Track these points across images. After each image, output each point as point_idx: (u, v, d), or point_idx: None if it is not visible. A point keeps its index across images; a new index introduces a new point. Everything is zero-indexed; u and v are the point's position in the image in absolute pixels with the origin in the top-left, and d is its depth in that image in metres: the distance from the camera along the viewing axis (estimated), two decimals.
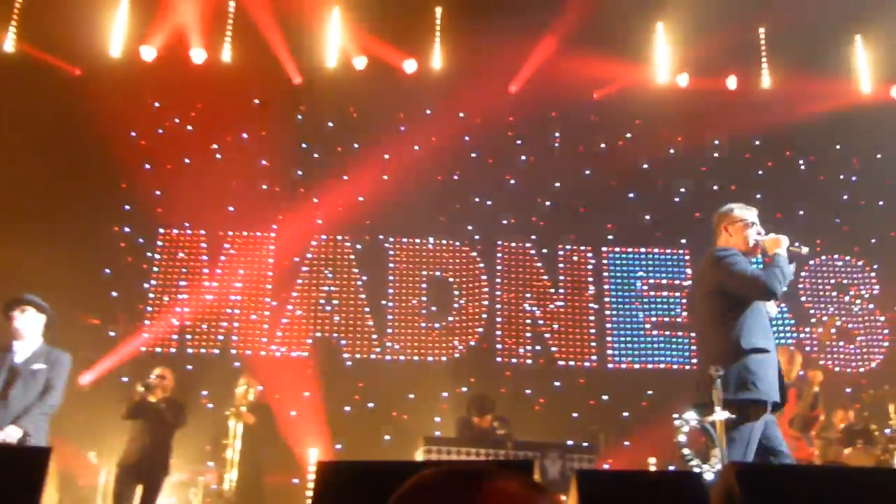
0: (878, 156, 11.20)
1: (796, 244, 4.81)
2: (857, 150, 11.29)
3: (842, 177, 11.34)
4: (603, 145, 11.16)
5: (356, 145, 10.90)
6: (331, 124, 11.03)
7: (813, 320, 10.84)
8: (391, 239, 10.83)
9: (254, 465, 8.28)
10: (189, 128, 10.80)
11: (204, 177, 10.37)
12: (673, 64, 10.82)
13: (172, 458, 7.62)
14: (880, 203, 10.97)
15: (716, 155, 11.28)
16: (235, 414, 8.11)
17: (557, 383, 10.37)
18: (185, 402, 7.99)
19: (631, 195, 11.01)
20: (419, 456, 6.96)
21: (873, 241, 10.93)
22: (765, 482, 3.18)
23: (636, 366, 10.60)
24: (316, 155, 11.01)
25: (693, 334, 10.53)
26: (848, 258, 11.15)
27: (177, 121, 10.79)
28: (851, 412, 8.75)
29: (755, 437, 4.56)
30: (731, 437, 4.46)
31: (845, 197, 11.18)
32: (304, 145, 11.02)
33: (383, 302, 10.60)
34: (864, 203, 11.03)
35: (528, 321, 10.66)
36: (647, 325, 10.71)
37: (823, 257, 11.13)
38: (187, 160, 10.61)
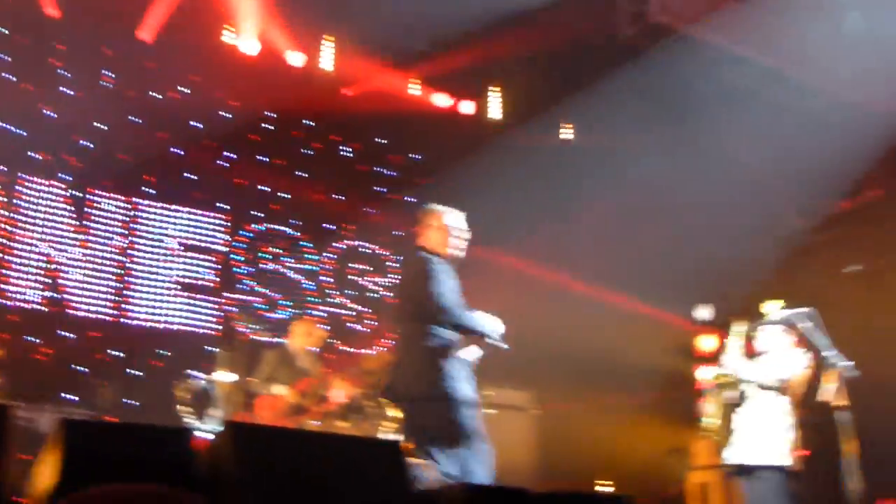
0: (418, 156, 12.13)
1: (500, 341, 5.17)
2: (398, 148, 12.12)
3: (380, 169, 12.06)
4: (156, 95, 10.66)
5: None
6: None
7: (337, 300, 11.41)
8: None
9: None
10: None
11: None
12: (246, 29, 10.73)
13: None
14: (413, 199, 11.77)
15: (269, 127, 11.34)
16: None
17: (68, 334, 9.78)
18: None
19: (177, 151, 10.68)
20: None
21: (401, 233, 11.68)
22: (259, 442, 3.34)
23: (155, 324, 10.33)
24: None
25: (220, 299, 10.62)
26: (376, 248, 11.88)
27: None
28: (354, 391, 9.32)
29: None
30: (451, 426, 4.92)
31: (382, 189, 11.93)
32: None
33: None
34: (400, 198, 11.74)
35: (43, 265, 9.89)
36: (172, 285, 10.50)
37: (355, 242, 11.76)
38: None
